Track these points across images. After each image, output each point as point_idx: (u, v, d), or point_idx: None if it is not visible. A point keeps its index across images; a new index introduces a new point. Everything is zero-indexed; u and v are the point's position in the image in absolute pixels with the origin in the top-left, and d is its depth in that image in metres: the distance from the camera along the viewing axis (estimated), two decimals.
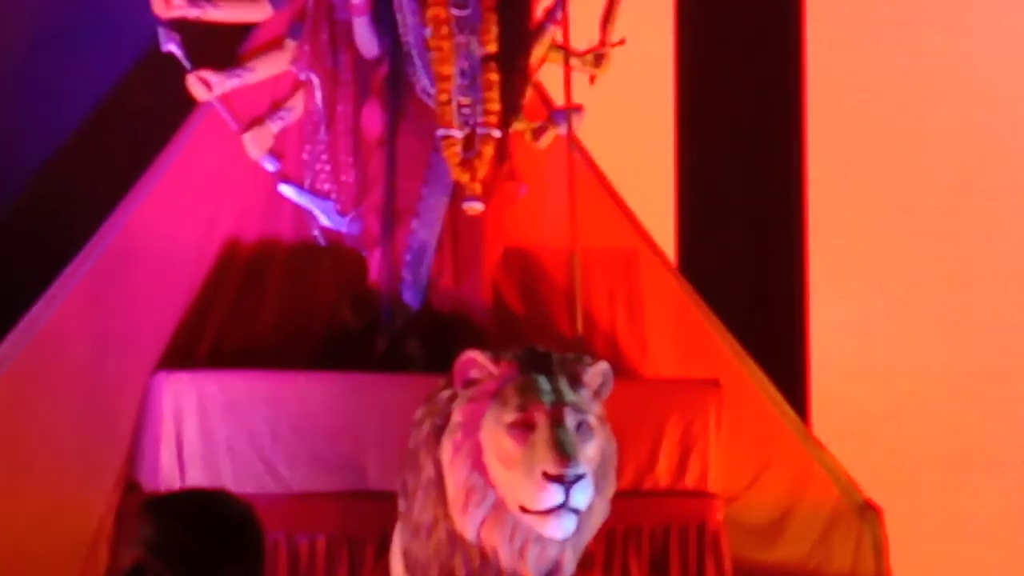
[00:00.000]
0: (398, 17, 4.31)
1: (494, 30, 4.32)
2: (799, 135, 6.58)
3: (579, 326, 4.39)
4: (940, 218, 6.68)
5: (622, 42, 4.74)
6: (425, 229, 4.29)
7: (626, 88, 6.19)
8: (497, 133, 4.30)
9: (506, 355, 3.55)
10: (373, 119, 4.36)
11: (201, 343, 4.37)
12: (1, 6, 5.57)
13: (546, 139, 4.63)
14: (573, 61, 4.62)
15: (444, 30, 4.26)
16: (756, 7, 6.67)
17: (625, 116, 6.18)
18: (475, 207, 4.27)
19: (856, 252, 6.59)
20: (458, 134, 4.26)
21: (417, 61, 4.30)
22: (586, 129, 5.99)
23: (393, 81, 4.30)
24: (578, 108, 4.61)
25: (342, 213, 4.53)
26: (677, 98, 6.33)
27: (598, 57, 4.68)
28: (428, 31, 4.28)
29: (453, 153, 4.25)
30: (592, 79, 4.72)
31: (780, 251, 6.62)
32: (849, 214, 6.59)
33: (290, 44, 4.52)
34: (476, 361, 3.52)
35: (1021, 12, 6.73)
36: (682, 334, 4.87)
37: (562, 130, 4.58)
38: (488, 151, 4.29)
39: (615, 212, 4.85)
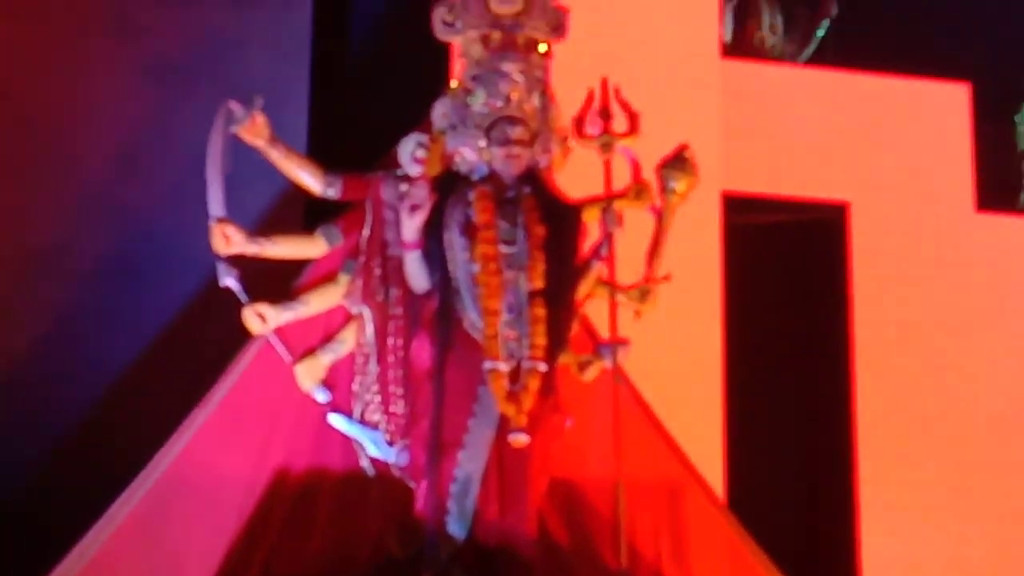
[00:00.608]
0: (448, 254, 4.43)
1: (541, 267, 4.43)
2: (847, 368, 6.63)
3: (623, 559, 4.40)
4: (990, 453, 6.67)
5: (668, 278, 4.82)
6: (471, 461, 4.34)
7: (675, 322, 6.30)
8: (543, 367, 4.37)
9: None
10: (422, 352, 4.46)
11: (249, 574, 4.40)
12: (65, 237, 5.79)
13: (592, 372, 4.69)
14: (619, 296, 4.72)
15: (492, 266, 4.39)
16: (802, 244, 6.82)
17: (674, 349, 6.27)
18: (521, 439, 4.32)
19: (907, 486, 6.56)
20: (504, 367, 4.34)
21: (465, 296, 4.41)
22: (634, 362, 6.09)
23: (442, 315, 4.40)
24: (624, 342, 4.68)
25: (391, 444, 4.60)
26: (725, 333, 6.41)
27: (644, 293, 4.77)
28: (477, 267, 4.40)
29: (500, 386, 4.33)
30: (637, 314, 4.80)
31: (830, 485, 6.61)
32: (899, 447, 6.60)
33: (344, 279, 4.67)
34: None
35: None
36: (730, 570, 4.85)
37: (608, 363, 4.65)
38: (534, 384, 4.35)
39: (660, 445, 4.88)
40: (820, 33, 7.83)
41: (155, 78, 6.01)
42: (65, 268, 5.80)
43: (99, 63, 6.00)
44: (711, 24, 6.71)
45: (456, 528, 4.34)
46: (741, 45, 7.67)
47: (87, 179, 5.92)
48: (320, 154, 5.94)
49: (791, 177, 6.72)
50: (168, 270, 5.71)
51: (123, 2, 6.07)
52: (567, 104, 4.75)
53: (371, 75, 6.36)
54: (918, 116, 6.92)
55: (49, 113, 5.93)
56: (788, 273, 6.72)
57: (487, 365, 4.34)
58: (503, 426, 4.37)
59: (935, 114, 6.93)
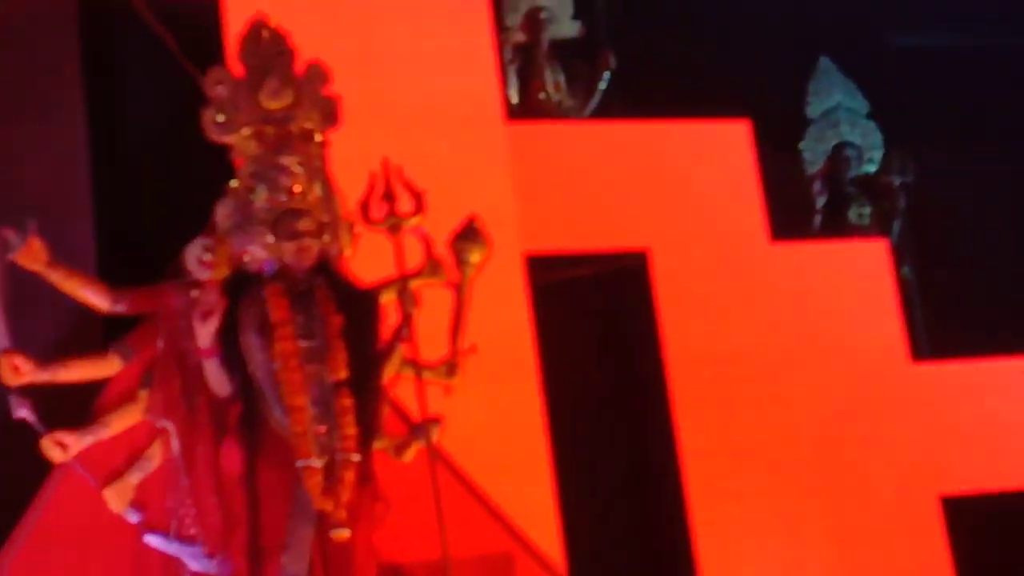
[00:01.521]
0: (246, 356, 4.37)
1: (342, 356, 4.39)
2: (667, 409, 6.69)
3: None
4: (813, 475, 6.79)
5: (473, 350, 4.83)
6: (295, 563, 4.26)
7: (492, 390, 6.31)
8: (356, 457, 4.33)
9: None
10: (232, 458, 4.38)
11: None
12: None
13: (409, 454, 4.67)
14: (427, 374, 4.71)
15: (293, 363, 4.33)
16: (608, 295, 6.89)
17: (494, 419, 6.26)
18: (342, 534, 4.26)
19: (740, 519, 6.64)
20: (318, 463, 4.28)
21: (269, 396, 4.35)
22: (455, 436, 6.06)
23: (247, 418, 4.34)
24: (437, 419, 4.67)
25: (211, 556, 4.50)
26: (543, 393, 6.42)
27: (450, 368, 4.77)
28: (277, 365, 4.34)
29: (315, 483, 4.27)
30: (448, 390, 4.79)
31: (664, 530, 6.65)
32: (727, 480, 6.67)
33: (143, 394, 4.57)
34: None
35: (857, 275, 7.06)
36: None
37: (423, 443, 4.62)
38: (349, 476, 4.30)
39: (487, 519, 4.87)
40: (602, 86, 7.97)
41: None
42: None
43: None
44: (492, 89, 6.76)
45: None
46: (528, 105, 7.77)
47: None
48: (111, 267, 5.85)
49: (590, 231, 6.79)
50: None
51: None
52: (355, 188, 4.75)
53: (155, 181, 6.27)
54: (704, 157, 7.06)
55: None
56: (599, 325, 6.79)
57: (299, 463, 4.28)
58: (323, 522, 4.31)
59: (720, 153, 7.09)
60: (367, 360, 4.47)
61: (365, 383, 4.44)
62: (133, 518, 4.51)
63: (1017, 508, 6.97)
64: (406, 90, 6.56)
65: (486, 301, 6.45)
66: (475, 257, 4.80)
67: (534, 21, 7.91)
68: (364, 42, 6.38)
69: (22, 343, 4.43)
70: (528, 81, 7.92)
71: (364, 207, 4.68)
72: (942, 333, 8.06)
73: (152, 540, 4.51)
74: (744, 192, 7.04)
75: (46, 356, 4.47)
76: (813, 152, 8.57)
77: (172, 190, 6.15)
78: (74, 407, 4.57)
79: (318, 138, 4.61)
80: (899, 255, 8.51)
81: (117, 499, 4.49)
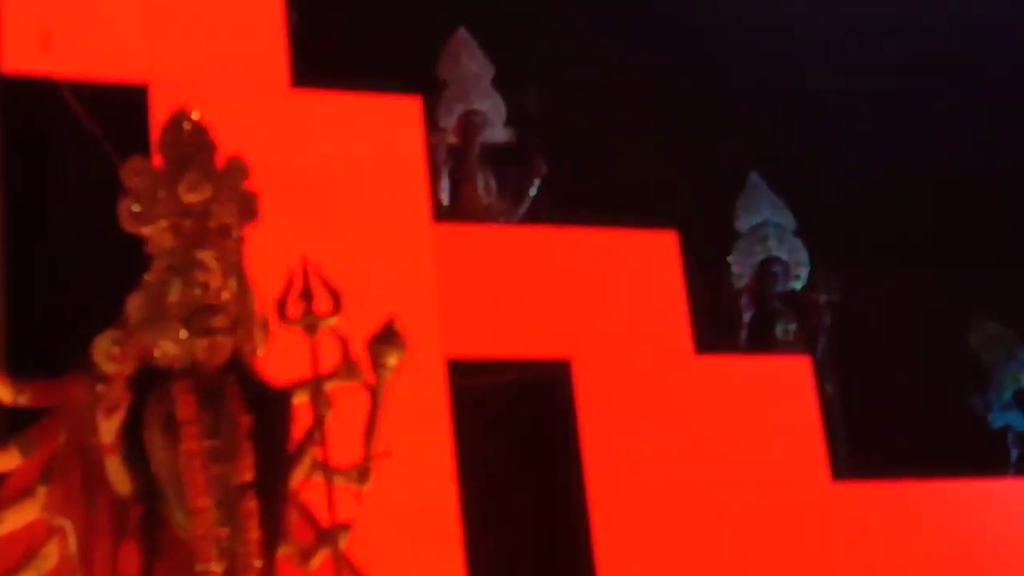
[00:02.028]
0: (150, 454, 4.24)
1: (249, 458, 4.27)
2: (586, 522, 6.61)
3: None
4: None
5: (388, 454, 4.72)
6: None
7: (409, 495, 6.19)
8: (258, 563, 4.19)
9: None
10: (130, 560, 4.23)
11: None
12: None
13: (316, 560, 4.53)
14: (338, 478, 4.59)
15: (197, 463, 4.21)
16: (530, 403, 6.82)
17: (410, 525, 6.15)
18: None
19: None
20: (217, 568, 4.14)
21: (171, 496, 4.21)
22: (370, 542, 5.91)
23: (148, 519, 4.20)
24: (346, 525, 4.54)
25: None
26: (460, 501, 6.31)
27: (363, 472, 4.65)
28: (181, 464, 4.21)
29: None
30: (358, 497, 4.67)
31: None
32: None
33: (42, 490, 4.41)
34: None
35: (780, 391, 7.03)
36: None
37: (331, 550, 4.49)
38: None
39: None
40: (533, 192, 7.98)
41: None
42: None
43: None
44: (420, 190, 6.72)
45: None
46: (459, 207, 7.75)
47: None
48: (19, 356, 5.70)
49: (514, 337, 6.74)
50: None
51: None
52: (274, 285, 4.65)
53: (71, 273, 6.14)
54: (631, 266, 7.05)
55: None
56: (519, 434, 6.69)
57: (198, 567, 4.14)
58: None
59: (647, 263, 7.08)
60: (275, 462, 4.35)
61: (272, 486, 4.31)
62: None
63: None
64: (331, 187, 6.51)
65: (406, 405, 6.38)
66: (392, 360, 4.70)
67: (468, 124, 7.95)
68: (290, 139, 6.33)
69: None
70: (459, 184, 7.91)
71: (281, 305, 4.57)
72: (863, 452, 8.06)
73: None
74: (670, 303, 7.02)
75: None
76: (741, 266, 8.60)
77: (89, 279, 6.03)
78: None
79: (235, 233, 4.52)
80: (823, 372, 8.53)
81: None
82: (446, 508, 6.30)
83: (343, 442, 4.69)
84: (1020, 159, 9.71)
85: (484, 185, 8.00)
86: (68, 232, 6.26)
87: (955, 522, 7.31)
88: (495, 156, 7.97)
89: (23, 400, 4.43)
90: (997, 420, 8.92)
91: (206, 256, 4.41)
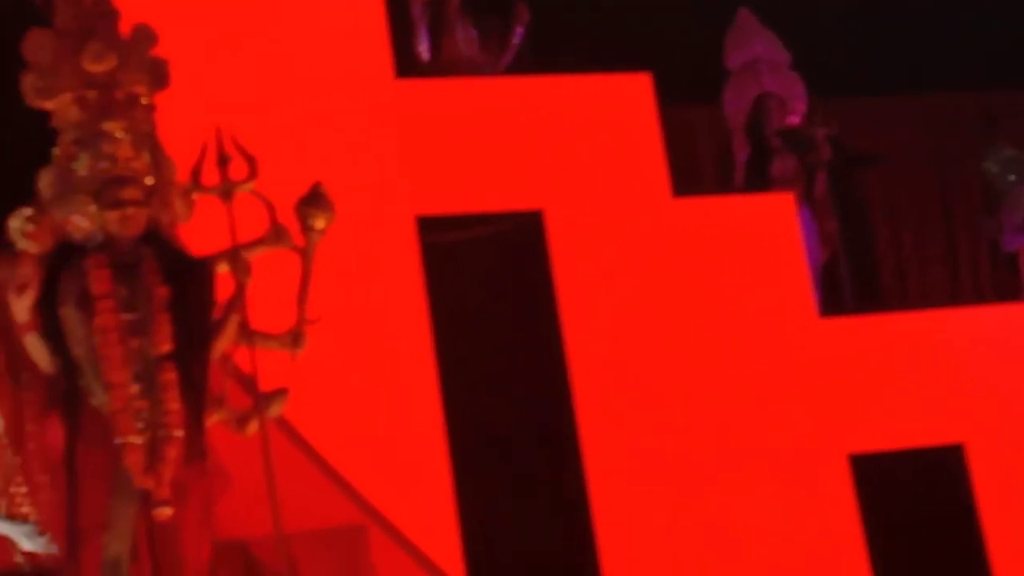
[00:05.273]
0: (66, 330, 4.22)
1: (167, 329, 4.24)
2: (564, 373, 6.57)
3: None
4: (717, 436, 6.65)
5: (319, 319, 4.68)
6: (116, 541, 4.13)
7: (383, 352, 6.20)
8: (179, 433, 4.19)
9: None
10: (55, 436, 4.25)
11: None
12: None
13: (251, 427, 4.52)
14: (271, 343, 4.57)
15: (112, 337, 4.18)
16: (502, 255, 6.74)
17: (385, 381, 6.16)
18: (164, 511, 4.13)
19: (639, 481, 6.52)
20: (137, 440, 4.14)
21: (89, 371, 4.20)
22: (344, 400, 5.94)
23: (67, 395, 4.20)
24: (281, 391, 4.53)
25: (42, 534, 4.38)
26: (436, 357, 6.30)
27: (296, 337, 4.60)
28: (96, 339, 4.19)
29: (136, 460, 4.12)
30: (294, 358, 4.65)
31: (561, 487, 6.50)
32: (627, 443, 6.54)
33: None
34: None
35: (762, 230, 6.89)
36: None
37: (267, 415, 4.49)
38: (172, 453, 4.16)
39: (333, 492, 4.75)
40: (516, 41, 7.80)
41: None
42: None
43: None
44: (382, 46, 6.60)
45: None
46: (440, 62, 7.60)
47: None
48: None
49: (483, 190, 6.64)
50: None
51: None
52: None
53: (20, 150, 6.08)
54: (604, 112, 6.90)
55: None
56: (493, 287, 6.63)
57: (118, 440, 4.14)
58: (147, 501, 4.17)
59: (620, 107, 6.92)
60: (195, 332, 4.32)
61: (193, 356, 4.29)
62: None
63: (923, 464, 6.86)
64: (291, 47, 6.41)
65: (376, 263, 6.37)
66: (320, 223, 4.63)
67: None
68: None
69: None
70: (440, 37, 7.75)
71: (196, 173, 4.51)
72: (865, 288, 7.95)
73: None
74: (645, 147, 6.88)
75: None
76: (734, 105, 8.41)
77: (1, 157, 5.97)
78: None
79: (145, 101, 4.44)
80: (823, 209, 8.38)
81: None
82: (422, 365, 6.30)
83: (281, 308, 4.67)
84: None
85: (465, 37, 7.83)
86: None
87: (961, 349, 7.18)
88: (475, 6, 7.78)
89: None
90: (1009, 243, 8.78)
91: (113, 127, 4.33)
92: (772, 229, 6.98)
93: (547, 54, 7.54)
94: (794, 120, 8.45)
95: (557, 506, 6.50)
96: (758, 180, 8.21)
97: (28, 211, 4.40)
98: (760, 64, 8.34)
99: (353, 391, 6.10)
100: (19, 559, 4.42)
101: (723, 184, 8.27)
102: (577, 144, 6.78)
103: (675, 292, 6.71)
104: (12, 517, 4.40)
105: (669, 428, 6.58)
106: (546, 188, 6.68)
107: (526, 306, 6.64)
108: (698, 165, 8.14)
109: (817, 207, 8.24)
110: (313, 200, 4.66)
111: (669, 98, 7.01)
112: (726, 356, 6.70)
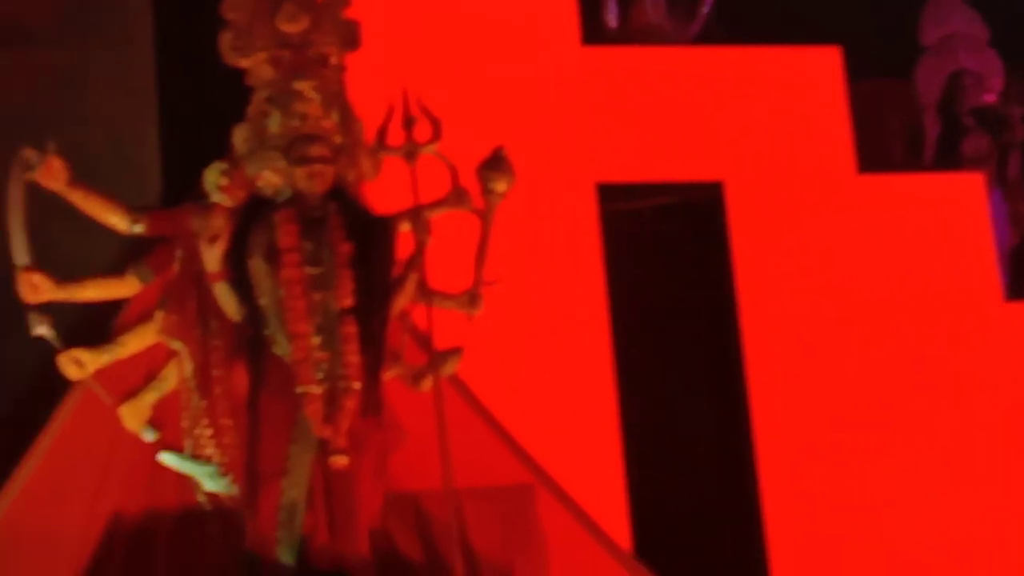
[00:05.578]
0: (254, 280, 4.37)
1: (349, 285, 4.37)
2: (738, 347, 6.53)
3: (460, 570, 4.36)
4: (900, 419, 6.54)
5: (497, 281, 4.76)
6: (294, 487, 4.28)
7: (559, 317, 6.26)
8: (357, 385, 4.31)
9: None
10: (240, 382, 4.41)
11: None
12: None
13: (426, 383, 4.62)
14: (448, 302, 4.67)
15: (297, 289, 4.33)
16: (682, 226, 6.73)
17: (560, 345, 6.22)
18: (340, 460, 4.27)
19: (810, 458, 6.46)
20: (317, 390, 4.28)
21: (274, 322, 4.35)
22: (521, 360, 6.03)
23: (253, 343, 4.36)
24: (455, 350, 4.63)
25: (225, 476, 4.56)
26: (611, 323, 6.33)
27: (472, 298, 4.70)
28: (282, 291, 4.34)
29: (315, 410, 4.27)
30: (470, 319, 4.74)
31: (732, 460, 6.48)
32: (801, 418, 6.49)
33: (160, 315, 4.62)
34: None
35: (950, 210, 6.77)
36: (590, 570, 4.80)
37: (442, 373, 4.59)
38: (350, 404, 4.30)
39: (503, 451, 4.83)
40: (705, 11, 7.74)
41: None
42: None
43: None
44: (570, 12, 6.63)
45: (286, 555, 4.29)
46: (627, 29, 7.60)
47: None
48: (177, 190, 5.89)
49: (664, 160, 6.62)
50: None
51: None
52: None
53: (223, 106, 6.29)
54: (791, 84, 6.82)
55: None
56: (670, 256, 6.63)
57: (299, 389, 4.29)
58: (324, 449, 4.31)
59: (808, 80, 6.83)
60: (376, 288, 4.44)
61: (372, 312, 4.41)
62: (149, 437, 4.59)
63: None
64: (480, 11, 6.48)
65: (555, 229, 6.42)
66: (500, 186, 4.71)
67: None
68: None
69: (42, 261, 4.50)
70: (628, 5, 7.74)
71: (382, 133, 4.62)
72: None
73: (167, 459, 4.58)
74: (832, 121, 6.78)
75: (66, 274, 4.54)
76: (928, 81, 8.23)
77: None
78: (96, 327, 4.65)
79: (335, 62, 4.56)
80: (1016, 190, 8.16)
81: (133, 418, 4.57)
82: (596, 331, 6.33)
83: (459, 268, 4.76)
84: None
85: (654, 4, 7.81)
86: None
87: None
88: None
89: (139, 229, 4.62)
90: None
91: (304, 86, 4.48)
92: (961, 209, 6.82)
93: (736, 24, 7.47)
94: (990, 98, 8.23)
95: (725, 470, 6.49)
96: (949, 159, 8.03)
97: (223, 165, 4.59)
98: (957, 40, 8.13)
99: (526, 353, 6.16)
100: (201, 498, 4.62)
101: (911, 161, 8.10)
102: (761, 116, 6.71)
103: (856, 270, 6.61)
104: (196, 458, 4.60)
105: (843, 405, 6.49)
106: (728, 159, 6.64)
107: (702, 277, 6.62)
108: (886, 141, 7.97)
109: (1009, 189, 8.02)
110: (494, 164, 4.74)
111: (858, 72, 6.89)
112: (906, 339, 6.57)
